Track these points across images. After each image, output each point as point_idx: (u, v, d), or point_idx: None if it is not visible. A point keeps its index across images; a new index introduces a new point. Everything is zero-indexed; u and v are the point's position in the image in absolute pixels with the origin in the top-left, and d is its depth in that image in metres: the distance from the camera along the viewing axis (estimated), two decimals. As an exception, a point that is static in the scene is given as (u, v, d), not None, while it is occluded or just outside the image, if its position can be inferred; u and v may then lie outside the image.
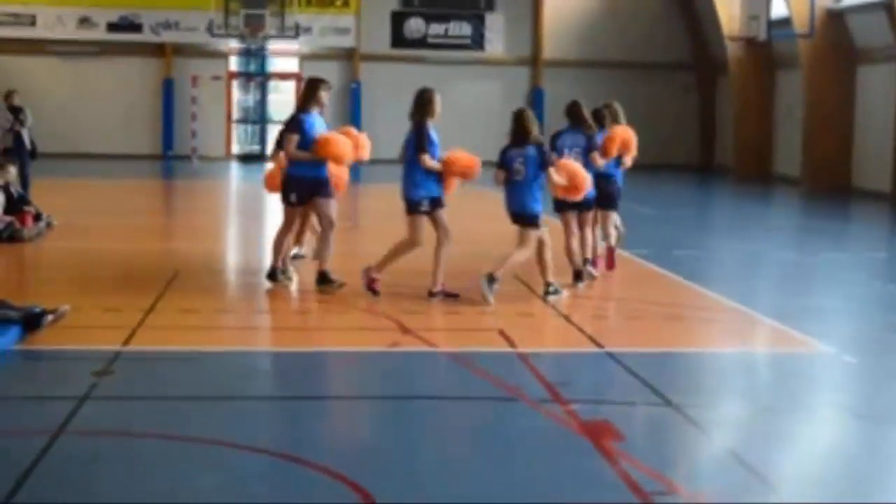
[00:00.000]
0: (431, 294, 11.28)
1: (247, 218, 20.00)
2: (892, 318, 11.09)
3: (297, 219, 12.26)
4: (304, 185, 11.67)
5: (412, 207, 11.62)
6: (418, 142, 11.50)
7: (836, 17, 27.03)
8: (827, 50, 27.09)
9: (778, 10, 27.45)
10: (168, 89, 34.09)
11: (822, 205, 24.26)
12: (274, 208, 22.00)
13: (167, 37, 33.90)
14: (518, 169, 11.41)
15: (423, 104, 11.60)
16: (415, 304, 10.96)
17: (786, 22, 27.43)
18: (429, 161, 11.50)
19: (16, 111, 19.19)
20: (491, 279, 11.15)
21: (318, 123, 11.92)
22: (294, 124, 11.74)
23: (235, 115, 34.91)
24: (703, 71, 35.06)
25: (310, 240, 13.75)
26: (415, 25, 34.81)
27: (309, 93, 12.01)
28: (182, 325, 9.91)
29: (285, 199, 11.84)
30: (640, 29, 35.17)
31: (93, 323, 9.77)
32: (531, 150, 11.36)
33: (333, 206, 11.85)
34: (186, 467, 6.17)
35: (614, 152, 12.64)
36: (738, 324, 10.84)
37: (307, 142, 11.63)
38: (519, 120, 11.53)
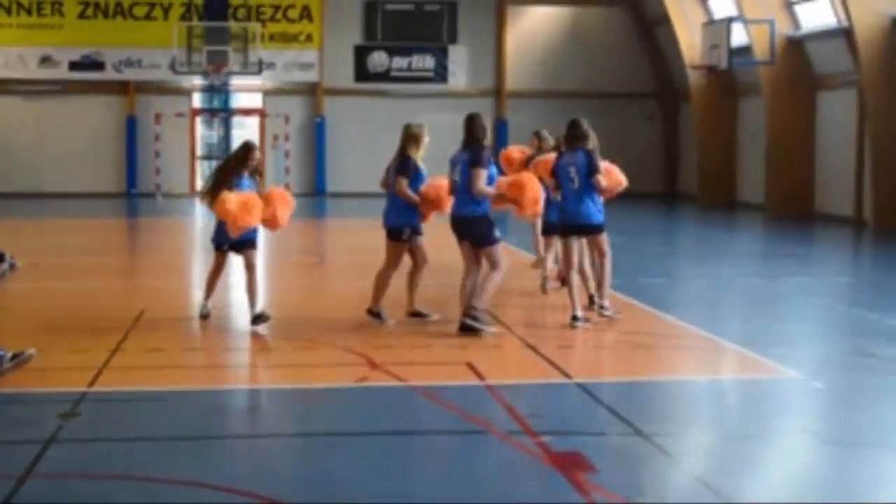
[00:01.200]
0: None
1: (212, 255, 19.86)
2: (858, 342, 11.14)
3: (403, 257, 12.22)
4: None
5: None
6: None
7: (795, 45, 27.28)
8: (787, 77, 27.33)
9: (738, 38, 27.66)
10: (131, 127, 33.99)
11: (785, 230, 24.41)
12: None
13: (130, 74, 33.81)
14: (572, 178, 11.67)
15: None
16: (383, 338, 10.93)
17: (746, 50, 27.65)
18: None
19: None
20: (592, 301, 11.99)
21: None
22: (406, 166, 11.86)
23: (199, 151, 34.82)
24: (665, 100, 35.29)
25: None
26: (378, 59, 34.88)
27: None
28: (148, 365, 9.84)
29: (398, 237, 11.96)
30: (603, 59, 35.37)
31: (58, 364, 9.69)
32: (581, 157, 11.63)
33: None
34: (155, 509, 6.11)
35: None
36: (706, 351, 10.87)
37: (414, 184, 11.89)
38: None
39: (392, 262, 12.05)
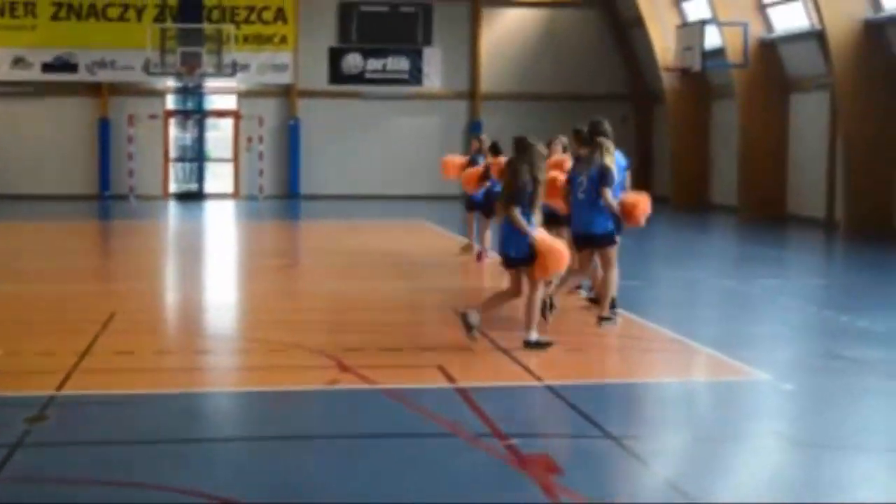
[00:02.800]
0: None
1: (185, 257, 19.86)
2: (828, 344, 11.19)
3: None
4: None
5: (606, 240, 11.83)
6: (604, 179, 11.61)
7: (768, 47, 27.40)
8: (760, 79, 27.44)
9: (712, 40, 27.76)
10: (104, 129, 33.85)
11: (758, 232, 24.50)
12: (213, 249, 21.89)
13: (103, 76, 33.68)
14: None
15: (605, 147, 11.75)
16: (354, 342, 10.91)
17: (720, 52, 27.76)
18: (610, 198, 11.71)
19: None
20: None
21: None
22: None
23: (173, 153, 34.70)
24: (639, 102, 35.39)
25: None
26: (353, 61, 34.84)
27: None
28: (118, 368, 9.79)
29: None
30: (577, 61, 35.46)
31: (26, 368, 9.63)
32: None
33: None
34: (121, 513, 6.09)
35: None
36: (677, 353, 10.89)
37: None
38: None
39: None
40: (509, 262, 10.80)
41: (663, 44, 31.06)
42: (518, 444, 7.23)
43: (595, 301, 12.92)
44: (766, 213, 27.16)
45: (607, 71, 35.73)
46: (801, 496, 6.52)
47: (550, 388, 8.94)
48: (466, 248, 18.46)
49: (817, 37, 24.73)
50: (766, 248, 21.75)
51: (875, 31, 23.08)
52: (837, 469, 7.10)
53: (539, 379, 9.31)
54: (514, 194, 10.55)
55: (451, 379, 9.24)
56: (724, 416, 8.55)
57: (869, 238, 22.16)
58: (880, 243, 21.48)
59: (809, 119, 26.61)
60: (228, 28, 33.16)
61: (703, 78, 30.77)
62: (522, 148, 10.77)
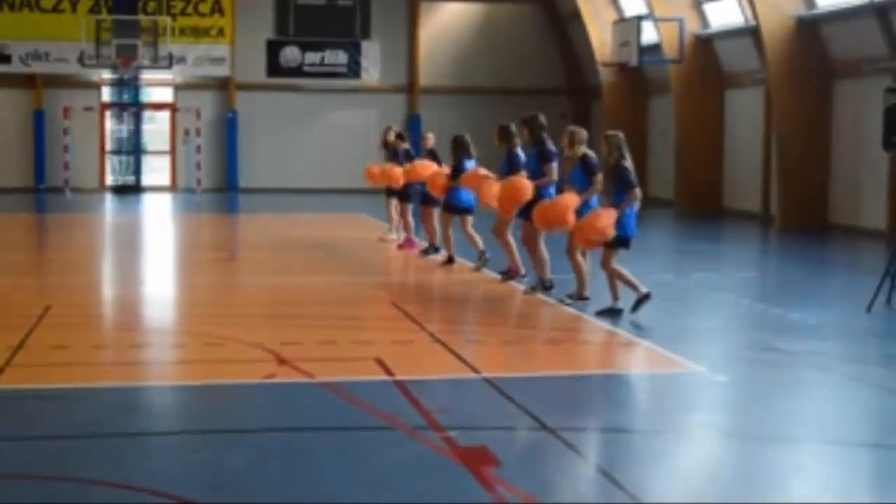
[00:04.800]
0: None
1: (122, 251, 19.70)
2: (761, 337, 11.33)
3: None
4: None
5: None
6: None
7: (704, 43, 27.66)
8: (696, 75, 27.71)
9: (648, 36, 27.96)
10: (39, 121, 33.47)
11: (694, 226, 24.74)
12: (150, 242, 21.73)
13: (37, 68, 33.29)
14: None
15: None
16: (292, 335, 10.89)
17: (656, 48, 27.98)
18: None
19: None
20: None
21: None
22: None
23: (109, 146, 34.37)
24: (577, 97, 35.57)
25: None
26: (290, 54, 34.71)
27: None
28: (54, 362, 9.70)
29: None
30: (516, 55, 35.58)
31: (-40, 362, 9.51)
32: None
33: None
34: (57, 508, 6.05)
35: None
36: (613, 346, 11.00)
37: None
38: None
39: None
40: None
41: (600, 39, 31.24)
42: (455, 437, 7.27)
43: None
44: (702, 207, 27.44)
45: (545, 66, 35.88)
46: (736, 487, 6.60)
47: (488, 381, 8.99)
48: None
49: (752, 33, 25.02)
50: (702, 242, 21.97)
51: (808, 27, 23.37)
52: (771, 460, 7.19)
53: (476, 371, 9.35)
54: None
55: (389, 372, 9.26)
56: (659, 407, 8.64)
57: (803, 232, 22.45)
58: (814, 237, 21.78)
59: (744, 114, 26.91)
60: (164, 20, 32.92)
61: (639, 73, 31.00)
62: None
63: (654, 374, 9.89)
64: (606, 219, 11.86)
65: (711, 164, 27.95)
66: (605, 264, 12.15)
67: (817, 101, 23.48)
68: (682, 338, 11.12)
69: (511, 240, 14.21)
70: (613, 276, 12.20)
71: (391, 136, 19.38)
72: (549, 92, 35.30)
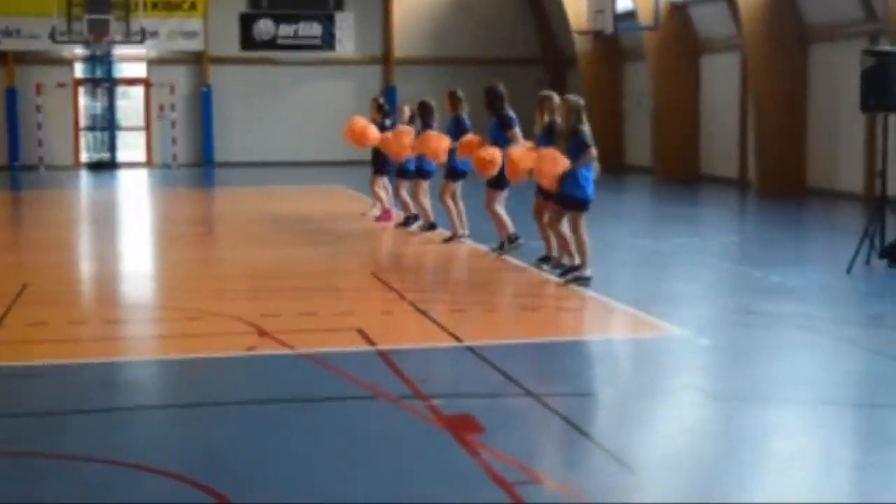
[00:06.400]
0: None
1: (99, 227, 19.56)
2: (742, 300, 11.33)
3: None
4: None
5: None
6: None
7: (679, 9, 27.59)
8: (671, 41, 27.64)
9: (623, 3, 27.87)
10: (11, 98, 33.15)
11: (672, 192, 24.74)
12: (127, 218, 21.61)
13: (8, 45, 32.93)
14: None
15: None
16: (272, 307, 10.83)
17: (631, 15, 27.89)
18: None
19: None
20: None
21: None
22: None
23: (83, 122, 34.08)
24: (553, 65, 35.45)
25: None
26: (264, 27, 34.46)
27: None
28: (32, 339, 9.62)
29: None
30: (490, 25, 35.43)
31: (-63, 341, 9.43)
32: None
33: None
34: (42, 484, 5.98)
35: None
36: (595, 311, 10.98)
37: None
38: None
39: None
40: None
41: (575, 7, 31.07)
42: (440, 405, 7.24)
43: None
44: (679, 174, 27.42)
45: (520, 34, 35.75)
46: (720, 449, 6.60)
47: (470, 349, 8.95)
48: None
49: (727, -2, 24.96)
50: (681, 207, 21.98)
51: (783, -9, 23.33)
52: (755, 421, 7.19)
53: (458, 340, 9.31)
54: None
55: (370, 342, 9.22)
56: (642, 371, 8.64)
57: (780, 196, 22.47)
58: (791, 201, 21.80)
59: (720, 80, 26.87)
60: (136, -6, 32.61)
61: (615, 41, 30.91)
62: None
63: (637, 339, 9.88)
64: (562, 163, 11.71)
65: (688, 130, 27.92)
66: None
67: (793, 65, 23.45)
68: (664, 301, 11.11)
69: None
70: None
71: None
72: (525, 61, 35.18)
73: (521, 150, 12.60)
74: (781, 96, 23.47)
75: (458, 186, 15.24)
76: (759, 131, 23.73)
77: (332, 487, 5.85)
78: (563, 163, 11.63)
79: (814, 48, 23.27)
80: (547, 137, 12.50)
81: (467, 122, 15.00)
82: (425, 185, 16.17)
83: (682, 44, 27.66)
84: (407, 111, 17.38)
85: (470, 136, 14.31)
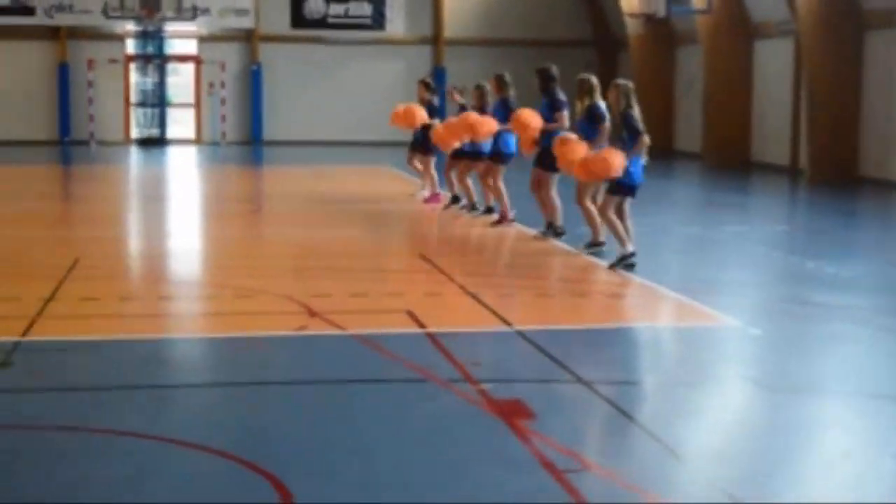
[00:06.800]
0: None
1: (149, 203, 19.66)
2: (794, 290, 11.23)
3: None
4: None
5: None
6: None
7: (732, -7, 27.34)
8: (725, 25, 27.38)
9: (676, -14, 27.67)
10: (63, 73, 33.38)
11: (723, 179, 24.55)
12: (176, 194, 21.72)
13: (61, 20, 33.12)
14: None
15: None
16: (322, 287, 10.84)
17: (684, -2, 27.67)
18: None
19: None
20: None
21: None
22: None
23: (134, 98, 34.26)
24: (604, 48, 35.23)
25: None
26: (315, 6, 34.46)
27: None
28: (84, 314, 9.69)
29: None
30: (542, 6, 35.24)
31: (-10, 314, 9.51)
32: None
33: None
34: (92, 460, 6.02)
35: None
36: (646, 299, 10.90)
37: None
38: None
39: None
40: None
41: (628, -11, 30.91)
42: (490, 390, 7.21)
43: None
44: (730, 160, 27.18)
45: (572, 16, 35.55)
46: (770, 440, 6.54)
47: (521, 333, 8.92)
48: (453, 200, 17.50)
49: (782, -18, 24.69)
50: (731, 194, 21.80)
51: (840, -23, 23.05)
52: (807, 413, 7.13)
53: (509, 324, 9.28)
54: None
55: (420, 324, 9.20)
56: (693, 360, 8.56)
57: (833, 184, 22.23)
58: (844, 189, 21.57)
59: (774, 65, 26.60)
60: (188, -29, 32.70)
61: (667, 24, 30.68)
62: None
63: (687, 327, 9.80)
64: (618, 159, 11.67)
65: (739, 116, 27.65)
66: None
67: (848, 52, 23.18)
68: (715, 290, 11.03)
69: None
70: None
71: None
72: (575, 43, 34.98)
73: (574, 144, 12.44)
74: (835, 83, 23.20)
75: (503, 169, 15.15)
76: (812, 119, 23.49)
77: (379, 471, 5.84)
78: (616, 168, 11.65)
79: (870, 35, 22.98)
80: (587, 122, 12.44)
81: (514, 105, 14.87)
82: (503, 170, 15.33)
83: (736, 28, 27.39)
84: (460, 97, 17.07)
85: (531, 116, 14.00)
